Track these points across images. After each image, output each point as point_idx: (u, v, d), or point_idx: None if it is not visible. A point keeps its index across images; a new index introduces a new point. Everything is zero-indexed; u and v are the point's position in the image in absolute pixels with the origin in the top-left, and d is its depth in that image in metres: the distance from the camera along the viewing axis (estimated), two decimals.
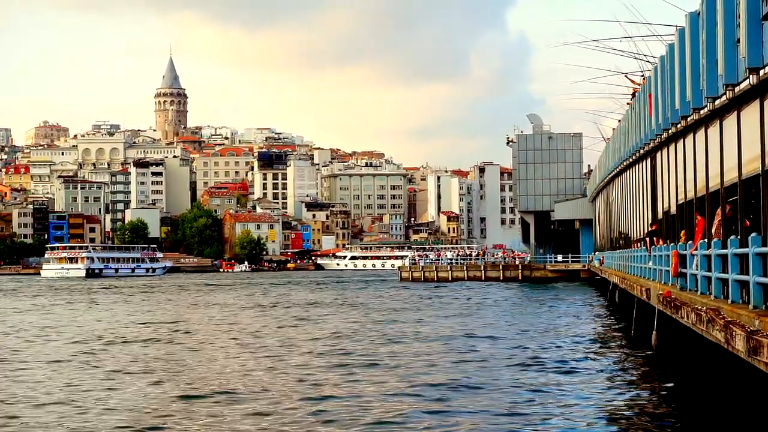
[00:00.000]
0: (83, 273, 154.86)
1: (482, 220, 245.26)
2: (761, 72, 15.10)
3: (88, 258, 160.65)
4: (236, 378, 24.37)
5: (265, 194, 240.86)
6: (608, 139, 60.98)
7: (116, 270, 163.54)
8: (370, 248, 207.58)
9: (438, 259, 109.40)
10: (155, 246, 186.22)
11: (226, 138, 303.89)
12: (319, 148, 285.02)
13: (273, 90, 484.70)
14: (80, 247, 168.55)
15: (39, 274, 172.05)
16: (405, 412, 18.81)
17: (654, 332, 24.07)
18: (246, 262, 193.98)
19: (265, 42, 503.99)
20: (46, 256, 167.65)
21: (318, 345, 32.84)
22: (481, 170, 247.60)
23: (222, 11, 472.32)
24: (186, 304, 64.47)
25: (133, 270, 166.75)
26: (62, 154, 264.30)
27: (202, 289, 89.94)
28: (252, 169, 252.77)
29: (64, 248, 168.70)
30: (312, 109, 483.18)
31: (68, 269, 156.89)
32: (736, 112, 17.85)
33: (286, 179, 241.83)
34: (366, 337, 35.92)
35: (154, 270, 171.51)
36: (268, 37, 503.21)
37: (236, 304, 61.83)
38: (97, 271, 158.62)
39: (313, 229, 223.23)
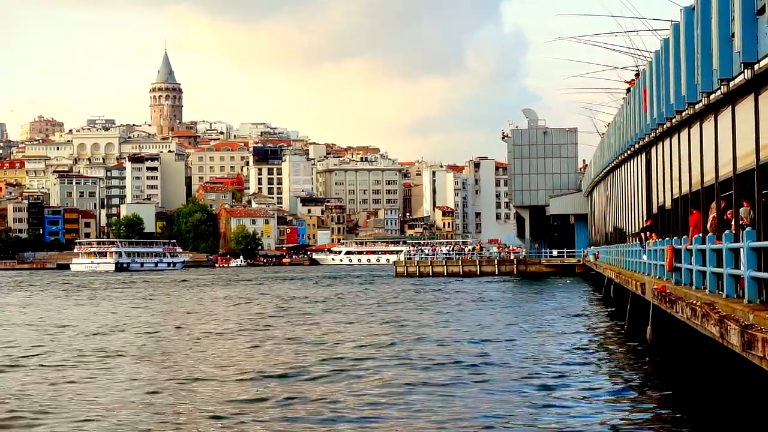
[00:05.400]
0: (113, 267, 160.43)
1: (477, 215, 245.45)
2: (756, 67, 15.10)
3: (116, 253, 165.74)
4: None
5: (260, 189, 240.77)
6: (603, 133, 61.02)
7: (142, 264, 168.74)
8: (366, 243, 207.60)
9: (433, 254, 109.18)
10: (174, 241, 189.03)
11: (222, 133, 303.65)
12: (314, 143, 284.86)
13: (268, 85, 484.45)
14: (109, 242, 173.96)
15: (36, 269, 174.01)
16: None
17: (649, 327, 24.08)
18: (241, 257, 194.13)
19: (260, 36, 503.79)
20: (75, 250, 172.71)
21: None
22: (476, 165, 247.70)
23: (216, 5, 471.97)
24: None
25: (156, 264, 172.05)
26: (57, 148, 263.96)
27: (260, 281, 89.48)
28: (247, 164, 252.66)
29: (93, 243, 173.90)
30: (307, 104, 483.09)
31: (98, 263, 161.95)
32: (730, 106, 17.87)
33: (281, 174, 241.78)
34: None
35: (174, 264, 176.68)
36: (263, 32, 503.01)
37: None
38: (125, 265, 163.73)
39: (309, 224, 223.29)
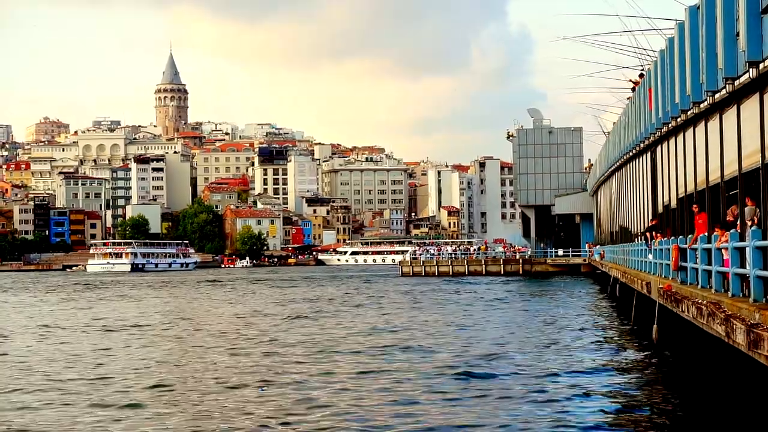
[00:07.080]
0: (128, 268, 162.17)
1: (483, 214, 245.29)
2: (761, 65, 15.11)
3: (132, 253, 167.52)
4: None
5: (265, 189, 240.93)
6: (608, 133, 61.00)
7: (156, 265, 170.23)
8: (371, 243, 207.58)
9: (439, 254, 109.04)
10: (187, 242, 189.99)
11: (227, 133, 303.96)
12: (319, 144, 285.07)
13: (273, 85, 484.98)
14: (124, 243, 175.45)
15: (42, 270, 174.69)
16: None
17: (655, 326, 24.08)
18: (247, 258, 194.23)
19: (265, 36, 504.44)
20: (91, 251, 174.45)
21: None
22: (482, 165, 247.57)
23: (221, 4, 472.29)
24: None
25: (170, 265, 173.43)
26: (63, 150, 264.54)
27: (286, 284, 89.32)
28: (252, 164, 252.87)
29: (109, 244, 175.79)
30: (312, 103, 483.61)
31: (114, 264, 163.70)
32: (735, 105, 17.87)
33: (286, 174, 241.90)
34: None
35: (187, 265, 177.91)
36: (268, 31, 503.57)
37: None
38: (140, 266, 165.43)
39: (314, 225, 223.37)
